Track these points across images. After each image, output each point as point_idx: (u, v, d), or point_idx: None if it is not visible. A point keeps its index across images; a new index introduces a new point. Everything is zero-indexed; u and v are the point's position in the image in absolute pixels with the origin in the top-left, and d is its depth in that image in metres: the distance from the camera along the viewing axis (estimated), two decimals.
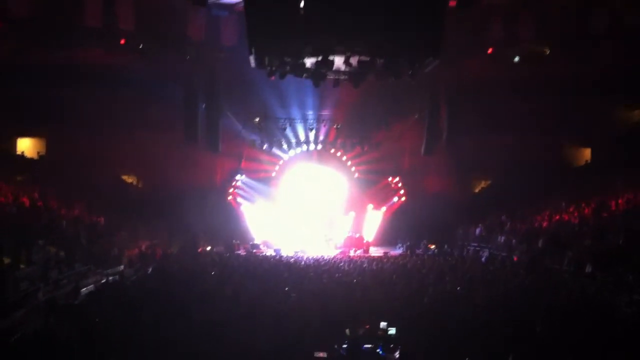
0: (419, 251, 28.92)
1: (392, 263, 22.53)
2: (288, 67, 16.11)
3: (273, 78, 17.00)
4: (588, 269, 17.81)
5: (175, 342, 10.06)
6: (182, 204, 29.22)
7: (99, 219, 24.35)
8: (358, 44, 14.88)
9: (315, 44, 14.71)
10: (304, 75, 16.71)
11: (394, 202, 34.42)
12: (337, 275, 18.62)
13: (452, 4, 19.12)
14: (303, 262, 22.66)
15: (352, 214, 34.13)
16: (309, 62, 15.94)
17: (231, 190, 33.75)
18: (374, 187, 34.92)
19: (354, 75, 17.10)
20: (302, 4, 13.96)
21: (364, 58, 15.54)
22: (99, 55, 26.71)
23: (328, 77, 17.33)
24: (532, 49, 27.23)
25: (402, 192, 34.34)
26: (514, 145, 31.23)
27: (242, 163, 34.27)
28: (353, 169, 34.94)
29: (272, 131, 32.41)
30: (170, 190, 30.68)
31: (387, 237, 33.72)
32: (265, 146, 32.89)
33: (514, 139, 31.05)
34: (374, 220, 34.32)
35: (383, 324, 11.61)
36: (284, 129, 31.76)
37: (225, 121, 30.73)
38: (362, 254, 28.82)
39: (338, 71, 16.70)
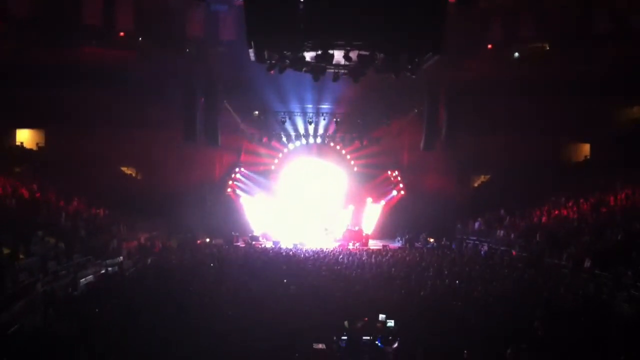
0: (418, 244, 29.03)
1: (391, 256, 22.56)
2: (287, 61, 16.05)
3: (273, 72, 16.95)
4: (587, 264, 17.87)
5: (173, 339, 10.09)
6: (182, 199, 29.33)
7: (99, 212, 24.38)
8: (358, 39, 14.83)
9: (314, 37, 14.67)
10: (304, 69, 16.67)
11: (393, 196, 34.45)
12: (336, 267, 18.66)
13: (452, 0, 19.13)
14: (302, 255, 22.71)
15: (351, 207, 34.16)
16: (309, 56, 15.90)
17: (230, 182, 33.78)
18: (373, 181, 34.95)
19: (353, 70, 17.05)
20: None
21: (363, 52, 15.50)
22: (99, 54, 26.73)
23: (328, 70, 17.30)
24: (533, 47, 27.27)
25: (401, 185, 34.36)
26: (513, 143, 31.23)
27: (242, 156, 34.31)
28: (352, 162, 34.95)
29: (271, 124, 32.42)
30: (169, 185, 30.66)
31: (386, 230, 33.76)
32: (264, 139, 32.88)
33: (513, 137, 31.05)
34: (373, 213, 34.38)
35: (382, 317, 11.66)
36: (284, 122, 31.76)
37: (224, 115, 30.73)
38: (361, 247, 28.89)
39: (338, 65, 16.65)
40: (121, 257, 21.11)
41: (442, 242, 28.78)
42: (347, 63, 15.92)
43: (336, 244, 29.90)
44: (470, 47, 27.48)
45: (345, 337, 10.94)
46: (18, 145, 30.61)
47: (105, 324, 11.16)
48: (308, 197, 34.25)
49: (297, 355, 10.31)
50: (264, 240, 30.62)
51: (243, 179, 34.28)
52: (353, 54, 15.61)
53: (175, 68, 28.07)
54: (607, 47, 26.32)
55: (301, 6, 13.88)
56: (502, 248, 24.05)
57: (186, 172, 31.52)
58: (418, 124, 32.05)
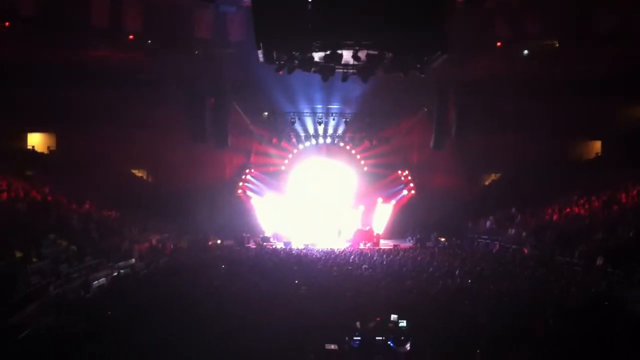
0: (429, 244, 28.92)
1: (402, 256, 22.49)
2: (296, 62, 16.05)
3: (281, 73, 16.94)
4: (599, 261, 17.76)
5: (184, 339, 10.10)
6: (192, 200, 29.40)
7: (110, 214, 24.48)
8: (366, 38, 14.81)
9: (323, 37, 14.66)
10: (313, 69, 16.66)
11: (403, 196, 34.38)
12: (347, 268, 18.62)
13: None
14: (313, 255, 22.71)
15: (362, 207, 34.11)
16: (318, 56, 15.90)
17: (241, 184, 33.83)
18: (383, 181, 34.88)
19: (362, 70, 17.02)
20: None
21: (372, 52, 15.48)
22: (107, 55, 26.82)
23: (337, 70, 17.26)
24: (541, 44, 27.16)
25: (411, 185, 34.28)
26: (523, 141, 31.04)
27: (252, 157, 34.35)
28: (362, 162, 34.91)
29: (280, 125, 32.46)
30: (179, 186, 30.73)
31: (397, 230, 33.68)
32: (274, 140, 32.93)
33: (523, 135, 30.84)
34: (384, 213, 34.31)
35: (394, 317, 11.61)
36: (293, 123, 31.79)
37: (233, 116, 30.78)
38: (372, 247, 28.84)
39: (347, 65, 16.62)
40: (133, 259, 21.19)
41: (453, 241, 28.69)
42: (355, 63, 15.91)
43: (347, 244, 29.87)
44: (479, 45, 27.38)
45: (359, 338, 10.90)
46: (29, 149, 30.79)
47: (118, 325, 11.18)
48: (318, 197, 34.23)
49: (312, 356, 10.30)
50: (275, 241, 30.65)
51: (253, 179, 34.30)
52: (362, 54, 15.61)
53: (183, 69, 28.15)
54: (614, 46, 26.21)
55: (309, 6, 13.89)
56: (514, 246, 23.96)
57: (196, 174, 31.48)
58: (427, 123, 32.06)
